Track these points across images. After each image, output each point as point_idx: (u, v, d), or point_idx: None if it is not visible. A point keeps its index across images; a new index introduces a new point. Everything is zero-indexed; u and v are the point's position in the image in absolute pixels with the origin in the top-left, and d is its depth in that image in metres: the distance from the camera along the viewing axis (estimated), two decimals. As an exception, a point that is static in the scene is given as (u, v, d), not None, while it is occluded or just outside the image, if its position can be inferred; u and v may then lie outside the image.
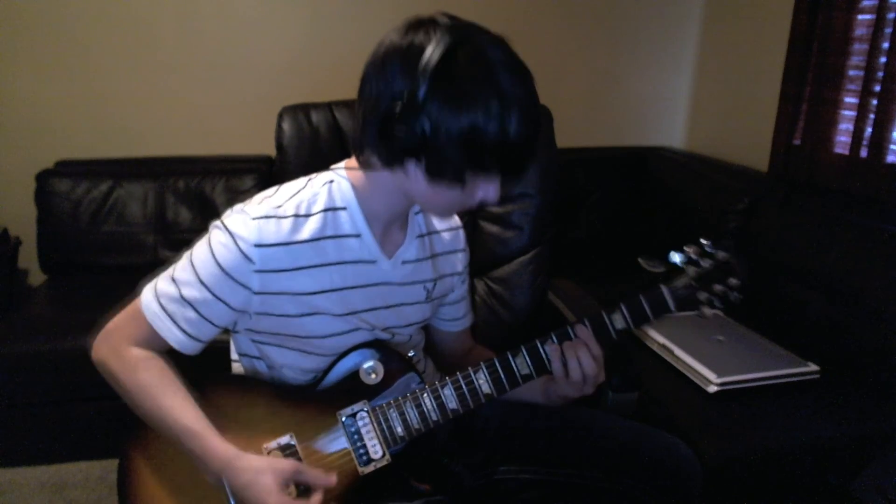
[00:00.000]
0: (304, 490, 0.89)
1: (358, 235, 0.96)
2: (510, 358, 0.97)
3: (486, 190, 0.87)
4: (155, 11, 2.37)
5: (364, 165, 0.92)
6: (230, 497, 0.93)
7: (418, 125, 0.78)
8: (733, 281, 0.98)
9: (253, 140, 2.48)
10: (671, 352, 1.73)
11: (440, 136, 0.79)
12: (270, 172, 2.43)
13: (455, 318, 1.18)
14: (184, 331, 0.91)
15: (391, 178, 0.90)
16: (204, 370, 0.95)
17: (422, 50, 0.78)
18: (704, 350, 1.70)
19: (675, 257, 0.99)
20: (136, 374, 0.90)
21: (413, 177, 0.86)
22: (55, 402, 1.93)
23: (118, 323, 0.94)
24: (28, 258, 2.37)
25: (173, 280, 0.92)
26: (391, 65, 0.81)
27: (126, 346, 0.91)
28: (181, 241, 0.89)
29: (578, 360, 0.96)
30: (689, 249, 0.99)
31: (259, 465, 0.86)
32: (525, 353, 0.98)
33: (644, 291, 0.99)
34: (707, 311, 0.99)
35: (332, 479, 0.90)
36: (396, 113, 0.79)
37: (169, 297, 0.91)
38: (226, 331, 1.01)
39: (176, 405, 0.89)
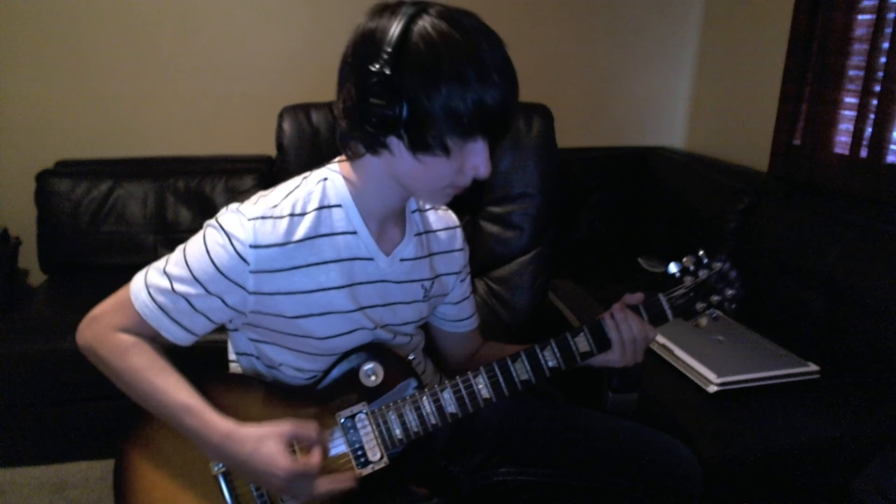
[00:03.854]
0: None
1: (354, 232, 0.96)
2: (509, 363, 0.97)
3: (475, 160, 0.85)
4: (155, 11, 2.37)
5: (352, 157, 0.92)
6: (225, 493, 0.94)
7: (394, 99, 0.79)
8: (730, 291, 1.00)
9: (253, 140, 2.48)
10: (671, 352, 1.73)
11: (417, 106, 0.79)
12: (270, 172, 2.43)
13: (460, 319, 1.18)
14: (175, 321, 0.90)
15: (379, 165, 0.90)
16: (201, 369, 0.95)
17: (388, 25, 0.80)
18: (704, 350, 1.70)
19: (673, 267, 1.01)
20: (126, 357, 0.90)
21: (398, 155, 0.85)
22: (55, 402, 1.93)
23: (105, 309, 0.93)
24: (28, 258, 2.37)
25: (165, 273, 0.91)
26: (361, 47, 0.82)
27: (113, 332, 0.91)
28: (181, 241, 0.90)
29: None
30: (686, 259, 1.01)
31: (260, 432, 0.87)
32: (524, 358, 0.98)
33: (643, 301, 1.01)
34: (703, 321, 1.01)
35: (326, 434, 0.93)
36: (371, 87, 0.79)
37: (159, 288, 0.90)
38: (223, 329, 1.01)
39: (170, 384, 0.89)
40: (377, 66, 0.79)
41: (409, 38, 0.79)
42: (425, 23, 0.79)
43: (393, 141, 0.84)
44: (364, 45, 0.82)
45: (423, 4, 0.82)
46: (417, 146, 0.83)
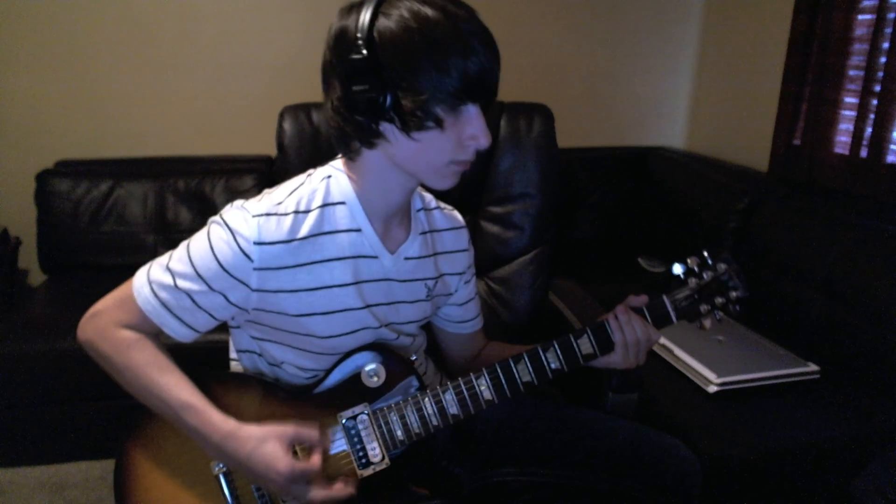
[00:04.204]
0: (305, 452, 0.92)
1: (358, 230, 0.96)
2: (511, 364, 0.97)
3: (472, 130, 0.85)
4: (155, 11, 2.37)
5: (351, 155, 0.92)
6: (226, 493, 0.94)
7: (376, 80, 0.80)
8: (734, 293, 0.99)
9: (253, 140, 2.48)
10: (671, 352, 1.73)
11: (400, 83, 0.80)
12: (270, 172, 2.43)
13: (464, 321, 1.17)
14: (177, 317, 0.90)
15: (378, 157, 0.90)
16: (203, 368, 0.95)
17: (357, 19, 0.81)
18: (704, 350, 1.70)
19: (677, 268, 1.00)
20: (128, 353, 0.90)
21: (394, 140, 0.86)
22: (55, 402, 1.93)
23: (107, 305, 0.93)
24: (28, 258, 2.37)
25: (168, 269, 0.91)
26: (337, 47, 0.84)
27: (115, 328, 0.91)
28: (181, 241, 0.90)
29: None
30: (691, 261, 1.00)
31: (261, 432, 0.87)
32: (526, 359, 0.97)
33: (647, 303, 1.00)
34: (707, 322, 1.00)
35: (328, 436, 0.94)
36: (354, 81, 0.81)
37: (162, 284, 0.90)
38: (224, 328, 1.01)
39: (172, 382, 0.89)
40: (354, 54, 0.80)
41: (379, 20, 0.80)
42: (392, 5, 0.81)
43: (386, 126, 0.85)
44: (339, 42, 0.83)
45: None
46: (410, 124, 0.83)
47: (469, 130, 0.85)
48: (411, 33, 0.79)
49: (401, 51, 0.79)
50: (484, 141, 0.86)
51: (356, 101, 0.82)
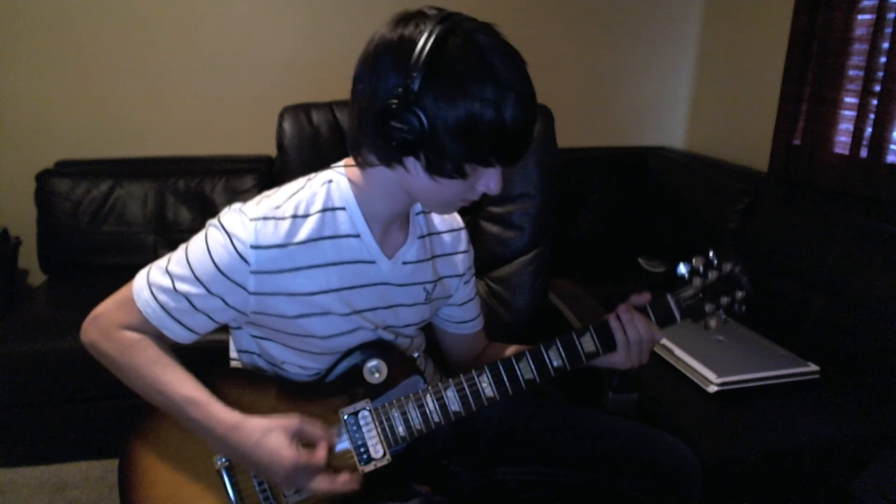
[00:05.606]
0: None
1: (357, 235, 0.96)
2: (513, 362, 0.97)
3: (488, 180, 0.86)
4: (155, 11, 2.37)
5: (362, 164, 0.92)
6: (228, 488, 0.94)
7: (415, 120, 0.78)
8: (739, 293, 0.99)
9: (253, 140, 2.48)
10: (671, 352, 1.73)
11: (438, 130, 0.78)
12: (270, 172, 2.43)
13: (464, 321, 1.17)
14: (176, 320, 0.91)
15: (391, 176, 0.90)
16: (205, 365, 0.95)
17: (413, 43, 0.78)
18: (704, 350, 1.70)
19: (682, 268, 1.00)
20: (131, 353, 0.91)
21: (413, 173, 0.85)
22: (55, 402, 1.93)
23: (108, 307, 0.94)
24: (28, 258, 2.37)
25: (167, 272, 0.91)
26: (383, 61, 0.81)
27: (117, 330, 0.91)
28: (181, 241, 0.91)
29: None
30: (696, 261, 1.00)
31: (266, 424, 0.88)
32: (529, 356, 0.97)
33: (651, 302, 1.00)
34: (712, 322, 1.00)
35: (332, 432, 0.94)
36: (392, 110, 0.78)
37: (161, 287, 0.90)
38: (225, 328, 1.01)
39: (175, 378, 0.90)
40: (400, 89, 0.78)
41: (435, 60, 0.77)
42: (450, 45, 0.78)
43: (410, 160, 0.84)
44: (384, 60, 0.80)
45: (445, 21, 0.79)
46: (435, 170, 0.83)
47: (485, 180, 0.87)
48: (461, 87, 0.77)
49: (447, 102, 0.77)
50: (496, 191, 0.88)
51: (390, 134, 0.80)
